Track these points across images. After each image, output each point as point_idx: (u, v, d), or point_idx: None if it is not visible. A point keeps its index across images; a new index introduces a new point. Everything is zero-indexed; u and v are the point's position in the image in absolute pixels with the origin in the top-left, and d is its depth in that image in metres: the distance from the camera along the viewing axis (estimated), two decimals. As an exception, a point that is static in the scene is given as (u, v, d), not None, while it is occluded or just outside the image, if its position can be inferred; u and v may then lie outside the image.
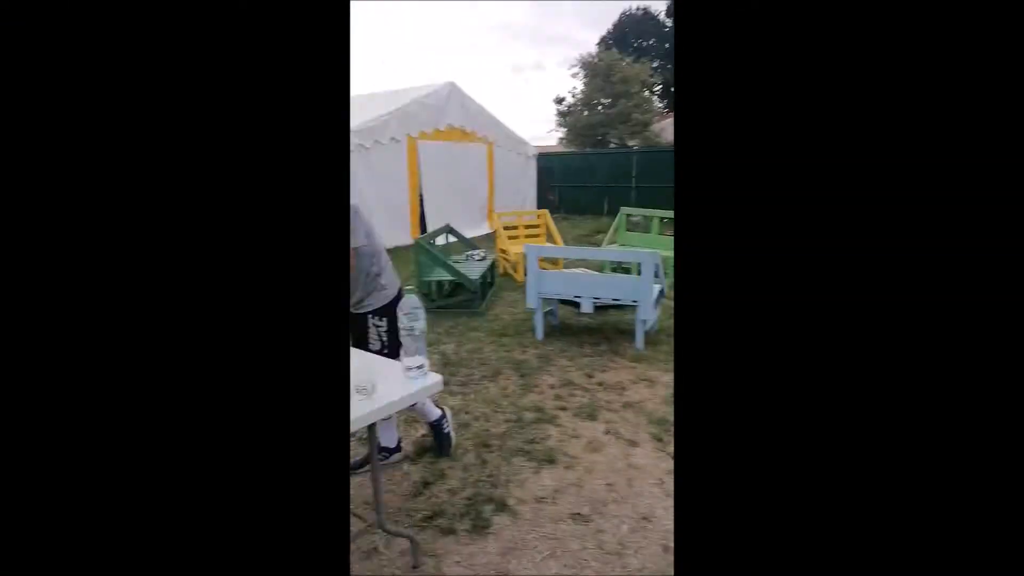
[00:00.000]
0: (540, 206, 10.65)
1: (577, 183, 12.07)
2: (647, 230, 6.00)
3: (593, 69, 16.40)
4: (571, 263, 5.43)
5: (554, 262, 5.41)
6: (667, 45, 23.05)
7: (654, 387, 2.96)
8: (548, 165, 11.70)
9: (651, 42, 23.46)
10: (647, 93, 15.95)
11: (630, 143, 14.94)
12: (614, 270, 5.22)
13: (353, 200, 1.57)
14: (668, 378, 3.13)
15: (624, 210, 6.09)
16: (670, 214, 6.81)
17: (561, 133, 19.71)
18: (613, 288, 3.61)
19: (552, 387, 3.00)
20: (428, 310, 4.48)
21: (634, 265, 5.30)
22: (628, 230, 6.07)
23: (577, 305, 3.67)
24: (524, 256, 5.84)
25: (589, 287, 3.62)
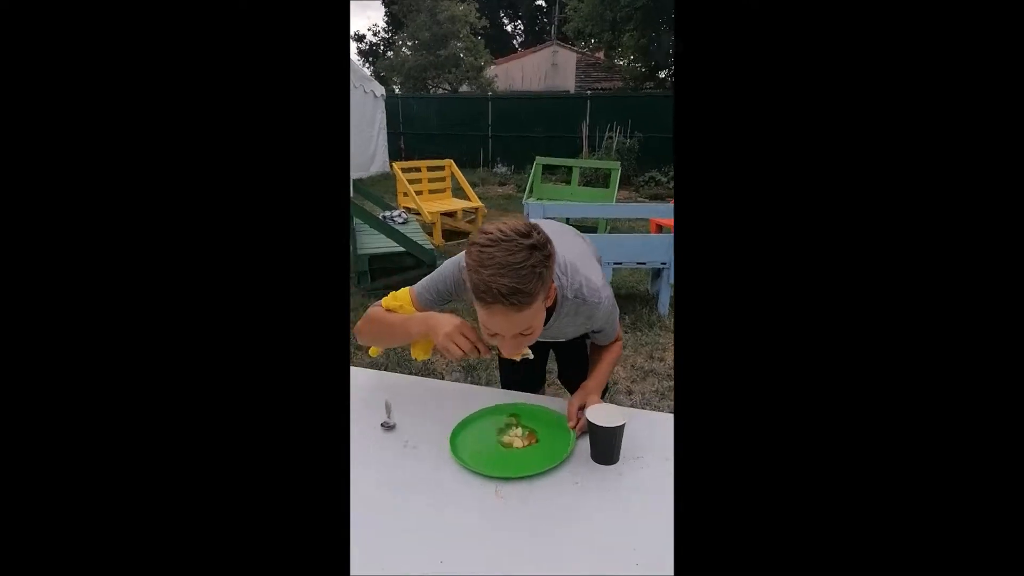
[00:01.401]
0: (393, 155, 9.35)
1: (421, 130, 10.93)
2: (567, 182, 5.51)
3: (408, 5, 14.90)
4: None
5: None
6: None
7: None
8: (390, 109, 10.30)
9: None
10: (476, 37, 15.03)
11: (461, 89, 14.06)
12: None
13: None
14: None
15: (539, 160, 5.46)
16: (585, 163, 6.42)
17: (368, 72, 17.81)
18: (639, 250, 3.04)
19: (634, 382, 2.36)
20: (366, 291, 3.35)
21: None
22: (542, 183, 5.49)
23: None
24: (438, 216, 4.90)
25: (613, 249, 2.99)
